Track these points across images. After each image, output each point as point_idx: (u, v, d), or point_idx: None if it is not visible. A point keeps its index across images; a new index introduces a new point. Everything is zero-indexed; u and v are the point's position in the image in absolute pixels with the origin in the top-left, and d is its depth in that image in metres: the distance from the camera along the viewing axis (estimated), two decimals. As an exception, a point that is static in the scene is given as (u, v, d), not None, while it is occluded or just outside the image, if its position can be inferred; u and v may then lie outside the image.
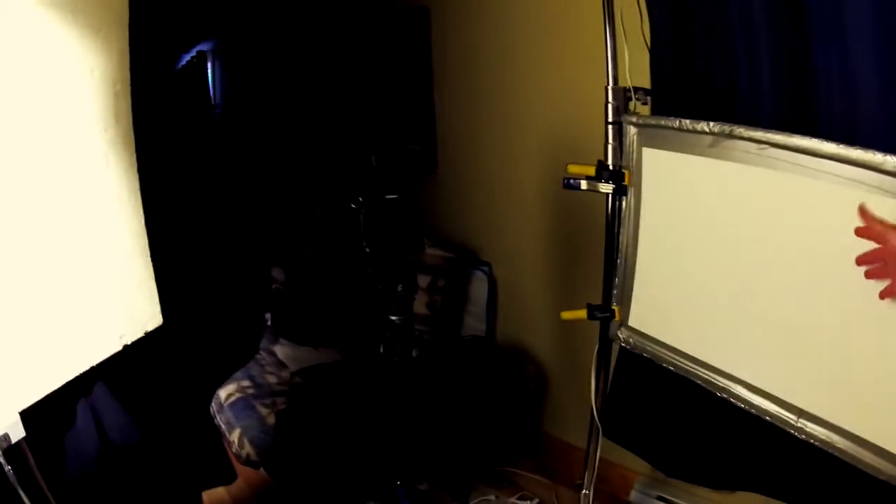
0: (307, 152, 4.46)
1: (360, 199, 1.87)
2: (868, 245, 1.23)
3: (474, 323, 3.17)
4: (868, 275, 1.25)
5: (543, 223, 2.83)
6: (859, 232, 1.24)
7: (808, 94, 1.56)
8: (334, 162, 4.19)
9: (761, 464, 1.93)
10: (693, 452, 2.11)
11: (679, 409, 2.09)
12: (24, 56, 1.36)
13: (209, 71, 5.41)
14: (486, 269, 3.12)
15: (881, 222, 1.20)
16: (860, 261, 1.25)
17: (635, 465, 2.45)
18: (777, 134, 1.39)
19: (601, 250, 2.10)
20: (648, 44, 1.88)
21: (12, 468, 1.30)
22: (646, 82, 1.90)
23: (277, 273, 3.69)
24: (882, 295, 1.22)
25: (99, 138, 1.64)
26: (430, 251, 3.04)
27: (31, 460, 1.41)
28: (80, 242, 1.64)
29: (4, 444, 1.32)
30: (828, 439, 1.40)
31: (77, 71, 1.51)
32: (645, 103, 1.85)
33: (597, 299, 1.99)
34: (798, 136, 1.34)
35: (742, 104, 1.72)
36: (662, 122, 1.68)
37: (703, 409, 2.00)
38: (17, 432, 1.36)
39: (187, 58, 5.43)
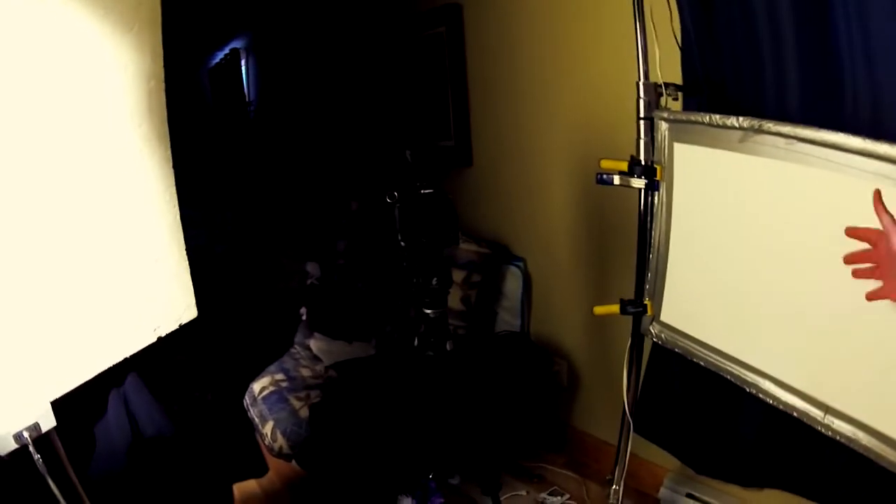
0: (342, 148, 4.49)
1: (396, 193, 1.88)
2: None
3: (509, 318, 3.16)
4: (856, 274, 1.25)
5: (577, 218, 2.82)
6: (849, 233, 1.24)
7: (833, 88, 1.56)
8: (369, 158, 4.22)
9: (790, 461, 1.92)
10: (722, 449, 2.11)
11: (709, 405, 2.09)
12: (57, 53, 1.40)
13: (243, 68, 5.46)
14: (520, 264, 3.11)
15: (890, 214, 1.17)
16: (847, 260, 1.26)
17: (665, 461, 2.43)
18: (804, 128, 1.38)
19: (633, 246, 2.09)
20: (679, 39, 1.86)
21: (42, 457, 1.31)
22: (677, 78, 1.89)
23: (312, 268, 3.73)
24: (869, 297, 1.22)
25: (133, 133, 1.67)
26: (464, 246, 3.04)
27: (62, 450, 1.42)
28: (115, 235, 1.67)
29: (35, 434, 1.33)
30: (853, 436, 1.39)
31: (111, 67, 1.54)
32: (676, 99, 1.85)
33: (629, 294, 1.99)
34: (825, 130, 1.34)
35: (769, 99, 1.72)
36: (692, 118, 1.67)
37: (733, 406, 2.00)
38: (48, 422, 1.37)
39: (221, 55, 5.51)
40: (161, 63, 1.70)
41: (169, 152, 1.85)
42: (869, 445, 1.36)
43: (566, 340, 2.98)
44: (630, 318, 1.99)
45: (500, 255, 3.16)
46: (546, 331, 3.08)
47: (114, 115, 1.60)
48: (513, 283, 3.15)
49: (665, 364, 2.20)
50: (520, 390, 2.78)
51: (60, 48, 1.41)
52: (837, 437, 1.42)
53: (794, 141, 1.41)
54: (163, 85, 1.74)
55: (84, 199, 1.56)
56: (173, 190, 1.89)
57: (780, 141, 1.44)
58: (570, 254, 2.89)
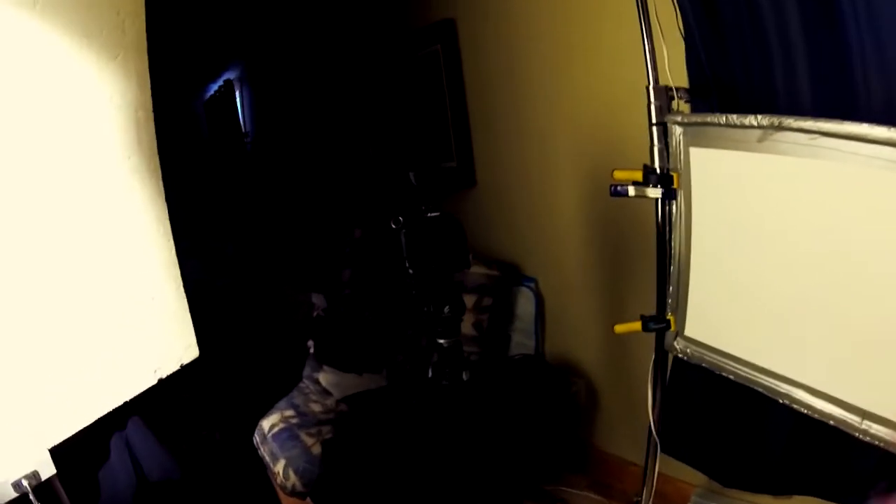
0: (341, 175, 4.45)
1: (401, 218, 1.80)
2: None
3: (523, 339, 3.08)
4: None
5: (587, 233, 2.74)
6: None
7: (845, 81, 1.53)
8: (370, 183, 4.16)
9: (820, 467, 1.87)
10: (750, 460, 2.05)
11: (734, 418, 2.03)
12: (37, 83, 1.34)
13: (238, 99, 5.45)
14: (531, 283, 3.04)
15: None
16: None
17: (691, 477, 2.35)
18: (827, 122, 1.32)
19: (649, 258, 2.00)
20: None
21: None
22: (685, 81, 1.82)
23: (318, 299, 3.65)
24: None
25: (122, 166, 1.61)
26: (473, 269, 2.97)
27: (65, 498, 1.37)
28: (107, 273, 1.61)
29: (34, 482, 1.31)
30: (892, 440, 1.35)
31: (95, 98, 1.48)
32: (688, 101, 1.79)
33: (646, 310, 1.91)
34: (848, 122, 1.28)
35: (780, 96, 1.68)
36: (708, 119, 1.60)
37: (759, 416, 1.94)
38: (48, 469, 1.34)
39: (215, 87, 5.49)
40: (148, 92, 1.64)
41: (160, 185, 1.79)
42: None
43: (582, 359, 2.90)
44: (647, 335, 1.90)
45: (510, 276, 3.08)
46: (562, 350, 3.00)
47: (100, 147, 1.54)
48: (525, 303, 3.08)
49: (687, 379, 2.12)
50: (538, 413, 2.69)
51: (41, 78, 1.35)
52: (876, 442, 1.37)
53: (817, 136, 1.34)
54: (151, 115, 1.68)
55: (73, 238, 1.50)
56: (167, 224, 1.83)
57: (802, 137, 1.38)
58: (583, 270, 2.81)
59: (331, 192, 4.51)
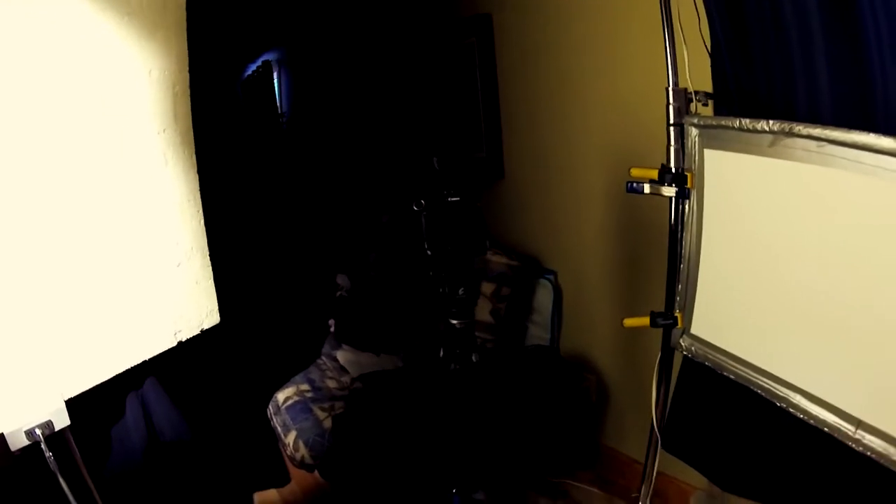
0: (374, 160, 4.50)
1: (423, 201, 1.86)
2: None
3: (539, 332, 3.12)
4: None
5: (608, 230, 2.77)
6: None
7: (865, 97, 1.53)
8: (401, 170, 4.22)
9: (819, 478, 1.84)
10: (751, 466, 2.03)
11: (739, 421, 2.02)
12: (79, 56, 1.41)
13: (276, 80, 5.52)
14: (551, 277, 3.07)
15: None
16: None
17: (693, 479, 2.36)
18: (835, 130, 1.34)
19: (664, 258, 2.03)
20: (708, 46, 1.83)
21: (55, 456, 1.31)
22: (706, 86, 1.85)
23: (342, 280, 3.72)
24: None
25: (158, 138, 1.68)
26: (495, 258, 3.01)
27: (76, 450, 1.42)
28: (138, 238, 1.68)
29: (47, 431, 1.32)
30: (885, 452, 1.34)
31: (134, 72, 1.55)
32: (706, 105, 1.81)
33: (661, 307, 1.93)
34: (856, 132, 1.30)
35: (800, 107, 1.68)
36: (723, 122, 1.63)
37: (764, 421, 1.93)
38: (62, 420, 1.36)
39: (254, 67, 5.57)
40: (186, 69, 1.72)
41: (194, 158, 1.86)
42: None
43: (596, 355, 2.93)
44: (660, 332, 1.93)
45: (530, 268, 3.12)
46: (576, 345, 3.03)
47: (137, 119, 1.61)
48: (543, 296, 3.11)
49: (695, 378, 2.13)
50: (548, 405, 2.73)
51: (82, 52, 1.43)
52: (868, 453, 1.38)
53: (825, 143, 1.37)
54: (188, 91, 1.75)
55: (106, 202, 1.57)
56: (198, 196, 1.90)
57: (811, 144, 1.40)
58: (601, 266, 2.84)
59: (362, 177, 4.57)
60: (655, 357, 2.50)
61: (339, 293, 3.65)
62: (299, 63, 5.28)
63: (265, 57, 5.44)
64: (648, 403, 2.64)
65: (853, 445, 1.40)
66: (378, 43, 4.30)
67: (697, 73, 1.79)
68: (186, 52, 1.69)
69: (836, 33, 1.57)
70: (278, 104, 5.53)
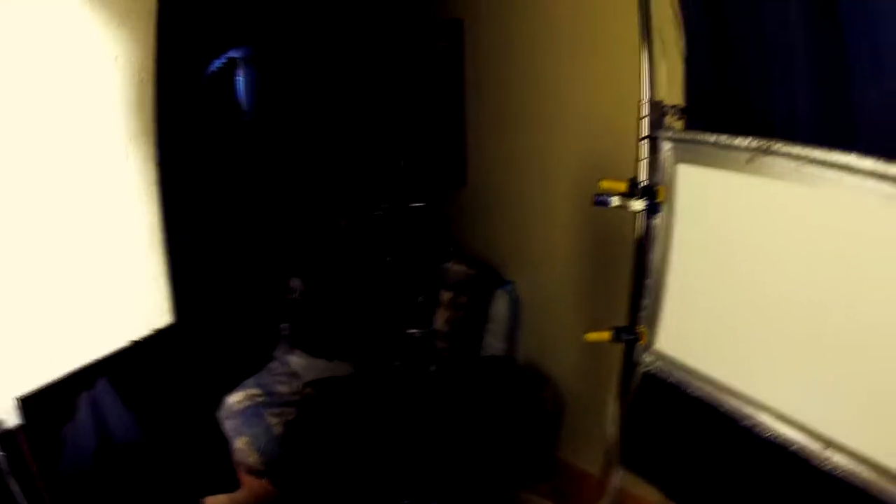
0: (335, 163, 4.44)
1: (384, 206, 1.81)
2: None
3: (495, 342, 3.09)
4: None
5: (570, 242, 2.76)
6: None
7: (844, 111, 1.52)
8: (362, 174, 4.16)
9: (780, 496, 1.83)
10: (709, 484, 2.02)
11: (698, 438, 2.02)
12: (43, 38, 1.34)
13: (240, 77, 5.41)
14: (510, 287, 3.05)
15: None
16: None
17: (648, 493, 2.34)
18: (815, 150, 1.36)
19: (628, 271, 2.02)
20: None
21: (6, 455, 1.25)
22: (679, 99, 1.84)
23: (296, 283, 3.64)
24: None
25: (120, 126, 1.62)
26: (453, 266, 2.98)
27: (27, 448, 1.36)
28: (93, 232, 1.62)
29: None
30: (854, 469, 1.35)
31: (101, 58, 1.49)
32: (680, 118, 1.80)
33: (623, 321, 1.91)
34: (836, 152, 1.32)
35: (778, 120, 1.67)
36: (699, 138, 1.64)
37: (723, 438, 1.93)
38: (13, 418, 1.34)
39: (219, 63, 5.45)
40: (152, 57, 1.66)
41: (153, 150, 1.79)
42: (870, 479, 1.33)
43: (554, 367, 2.91)
44: (620, 346, 1.92)
45: (489, 277, 3.09)
46: (533, 356, 3.01)
47: (101, 107, 1.55)
48: (501, 306, 3.09)
49: (654, 394, 2.13)
50: (504, 416, 2.70)
51: (46, 32, 1.36)
52: (835, 471, 1.38)
53: (805, 162, 1.38)
54: (153, 80, 1.69)
55: (61, 193, 1.50)
56: (154, 189, 1.83)
57: (790, 162, 1.41)
58: (561, 278, 2.83)
59: (321, 179, 4.49)
60: (615, 370, 2.50)
61: (292, 296, 3.57)
62: (265, 60, 5.19)
63: (231, 53, 5.33)
64: (605, 417, 2.65)
65: (822, 464, 1.41)
66: (345, 43, 4.24)
67: (674, 87, 1.79)
68: (154, 39, 1.63)
69: (820, 46, 1.56)
70: (241, 101, 5.41)
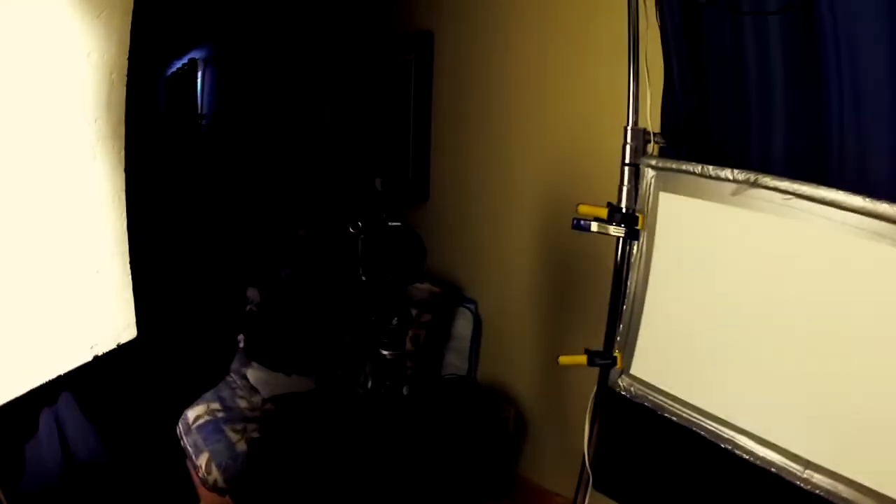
0: (293, 172, 4.37)
1: (360, 223, 1.76)
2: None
3: (456, 360, 3.06)
4: None
5: (534, 264, 2.76)
6: None
7: (819, 144, 1.54)
8: (321, 185, 4.10)
9: None
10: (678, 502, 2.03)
11: (669, 459, 2.02)
12: (17, 33, 1.26)
13: (199, 80, 5.30)
14: (471, 305, 3.03)
15: None
16: None
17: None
18: (803, 185, 1.36)
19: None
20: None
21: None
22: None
23: (253, 294, 3.56)
24: None
25: (88, 128, 1.54)
26: (418, 284, 2.94)
27: None
28: (57, 241, 1.53)
29: None
30: (833, 489, 1.38)
31: (73, 52, 1.41)
32: (664, 146, 1.81)
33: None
34: (825, 188, 1.33)
35: (753, 150, 1.70)
36: (684, 167, 1.63)
37: (695, 459, 1.94)
38: None
39: (178, 65, 5.33)
40: (126, 55, 1.58)
41: (123, 154, 1.71)
42: (850, 498, 1.35)
43: (514, 386, 2.90)
44: (588, 368, 1.90)
45: (452, 296, 3.06)
46: (494, 376, 3.00)
47: (69, 105, 1.47)
48: (463, 324, 3.07)
49: (622, 414, 2.13)
50: (466, 435, 2.67)
51: (19, 28, 1.27)
52: (816, 491, 1.40)
53: (792, 197, 1.39)
54: (125, 79, 1.61)
55: (24, 197, 1.42)
56: (123, 196, 1.75)
57: (777, 196, 1.42)
58: (525, 299, 2.82)
59: (279, 188, 4.42)
60: (578, 390, 2.49)
61: (248, 307, 3.48)
62: (226, 66, 5.10)
63: (192, 55, 5.21)
64: (567, 436, 2.64)
65: (801, 484, 1.43)
66: (314, 50, 4.18)
67: (656, 114, 1.79)
68: (128, 36, 1.55)
69: (798, 82, 1.58)
70: (199, 105, 5.30)
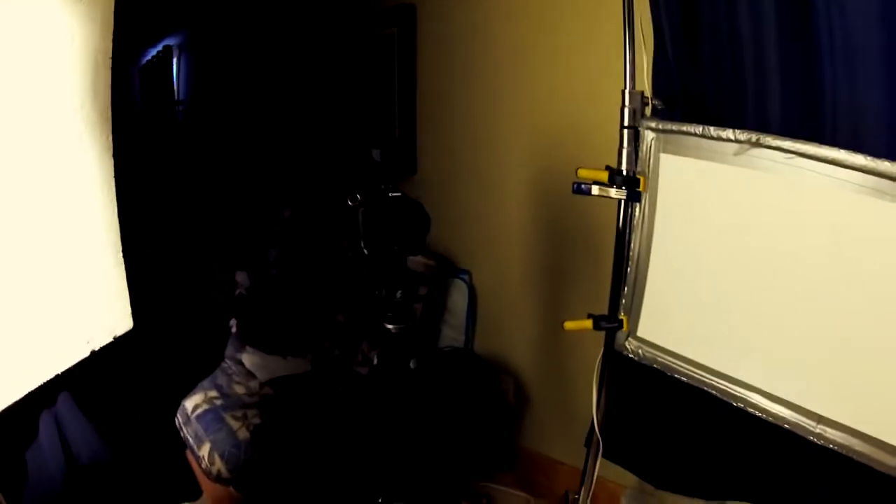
0: (275, 152, 4.30)
1: (359, 196, 1.72)
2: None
3: (452, 333, 3.05)
4: None
5: (528, 231, 2.74)
6: None
7: (814, 110, 1.57)
8: (305, 163, 4.05)
9: (756, 471, 1.90)
10: (685, 462, 2.06)
11: (672, 419, 2.04)
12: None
13: (174, 66, 5.22)
14: (465, 276, 3.01)
15: None
16: None
17: (622, 478, 2.36)
18: (806, 144, 1.37)
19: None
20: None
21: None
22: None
23: (241, 277, 3.50)
24: None
25: (75, 115, 1.48)
26: (414, 258, 2.91)
27: None
28: (46, 233, 1.47)
29: None
30: (847, 443, 1.40)
31: (56, 36, 1.35)
32: (661, 108, 1.79)
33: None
34: (827, 147, 1.34)
35: (749, 110, 1.72)
36: (684, 129, 1.62)
37: (699, 418, 1.96)
38: None
39: (153, 52, 5.23)
40: (110, 38, 1.52)
41: (110, 140, 1.66)
42: (863, 451, 1.37)
43: (513, 357, 2.90)
44: (587, 336, 1.90)
45: (446, 268, 3.04)
46: (492, 347, 2.99)
47: (54, 91, 1.41)
48: (458, 296, 3.05)
49: (626, 379, 2.13)
50: (466, 408, 2.67)
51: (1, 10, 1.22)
52: (830, 445, 1.42)
53: (794, 156, 1.39)
54: (110, 63, 1.55)
55: (10, 188, 1.35)
56: (112, 183, 1.70)
57: (779, 155, 1.42)
58: (520, 267, 2.81)
59: (262, 169, 4.36)
60: (578, 357, 2.50)
61: (238, 291, 3.43)
62: (201, 49, 5.00)
63: (167, 41, 5.12)
64: (568, 404, 2.65)
65: (814, 440, 1.44)
66: (287, 28, 4.09)
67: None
68: (112, 19, 1.49)
69: (791, 42, 1.59)
70: (176, 91, 5.21)
